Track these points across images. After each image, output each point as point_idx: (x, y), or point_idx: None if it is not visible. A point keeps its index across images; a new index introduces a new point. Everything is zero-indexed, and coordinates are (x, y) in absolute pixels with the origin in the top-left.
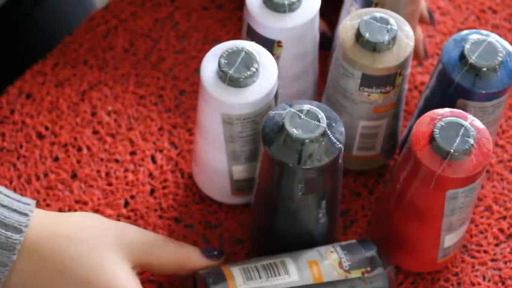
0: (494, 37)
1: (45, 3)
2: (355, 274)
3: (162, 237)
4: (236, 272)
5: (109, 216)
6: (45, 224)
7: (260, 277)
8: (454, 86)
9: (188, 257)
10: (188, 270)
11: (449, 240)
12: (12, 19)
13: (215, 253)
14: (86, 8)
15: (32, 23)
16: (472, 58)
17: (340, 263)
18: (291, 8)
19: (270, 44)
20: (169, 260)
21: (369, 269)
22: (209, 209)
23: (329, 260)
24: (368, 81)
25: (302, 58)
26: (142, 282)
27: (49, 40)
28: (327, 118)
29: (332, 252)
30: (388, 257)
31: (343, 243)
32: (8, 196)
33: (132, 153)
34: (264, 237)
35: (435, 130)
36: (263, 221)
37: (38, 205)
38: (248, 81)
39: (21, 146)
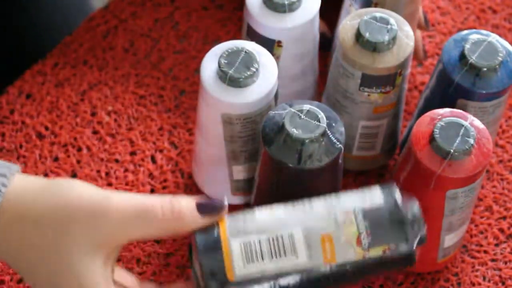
0: (494, 37)
1: (44, 3)
2: (375, 252)
3: (148, 204)
4: (236, 251)
5: None
6: (17, 205)
7: (262, 258)
8: (454, 86)
9: (180, 223)
10: (184, 233)
11: (449, 240)
12: (17, 20)
13: (213, 208)
14: (85, 8)
15: (32, 23)
16: (472, 58)
17: (358, 239)
18: (291, 8)
19: (270, 44)
20: (158, 232)
21: (393, 246)
22: None
23: (346, 236)
24: (368, 81)
25: (302, 58)
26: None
27: (49, 40)
28: (327, 118)
29: (352, 222)
30: (419, 222)
31: (367, 205)
32: None
33: (132, 153)
34: None
35: (435, 130)
36: None
37: None
38: (248, 81)
39: (21, 146)
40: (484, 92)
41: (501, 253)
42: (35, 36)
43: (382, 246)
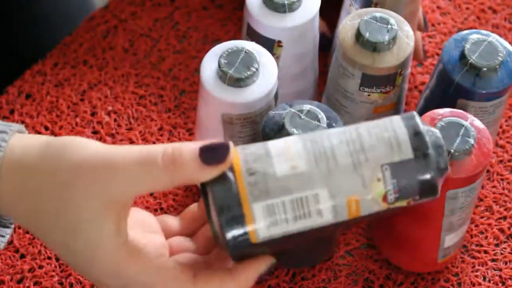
0: (494, 37)
1: (44, 2)
2: (399, 204)
3: (149, 153)
4: (258, 214)
5: None
6: (15, 178)
7: (286, 220)
8: (454, 86)
9: (181, 173)
10: (189, 183)
11: (449, 240)
12: (17, 20)
13: (218, 156)
14: (86, 8)
15: (32, 23)
16: (472, 58)
17: (385, 197)
18: (291, 8)
19: (270, 44)
20: (161, 183)
21: (417, 197)
22: None
23: (373, 194)
24: (368, 81)
25: (302, 58)
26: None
27: (49, 40)
28: (327, 118)
29: (379, 180)
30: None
31: (395, 159)
32: None
33: None
34: None
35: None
36: None
37: None
38: (248, 81)
39: None
40: (484, 92)
41: (501, 253)
42: (35, 36)
43: (407, 200)
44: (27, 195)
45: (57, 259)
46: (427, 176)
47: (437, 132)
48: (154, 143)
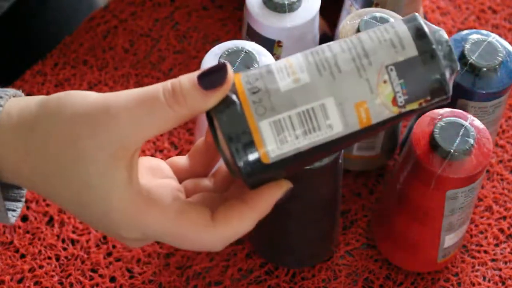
0: (494, 37)
1: (48, 3)
2: (410, 107)
3: (148, 91)
4: (266, 133)
5: None
6: (16, 141)
7: (296, 136)
8: (454, 86)
9: (184, 104)
10: (193, 114)
11: (449, 240)
12: (16, 19)
13: (216, 79)
14: (86, 8)
15: (32, 23)
16: (472, 58)
17: (394, 99)
18: (291, 8)
19: (270, 44)
20: (166, 120)
21: (428, 98)
22: None
23: (381, 98)
24: None
25: None
26: (142, 282)
27: (49, 40)
28: None
29: (385, 82)
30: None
31: (400, 58)
32: None
33: None
34: (264, 237)
35: (435, 130)
36: (262, 221)
37: (38, 205)
38: None
39: None
40: (484, 92)
41: (501, 253)
42: (35, 36)
43: (418, 101)
44: (30, 157)
45: (57, 259)
46: (436, 73)
47: (441, 30)
48: (154, 143)
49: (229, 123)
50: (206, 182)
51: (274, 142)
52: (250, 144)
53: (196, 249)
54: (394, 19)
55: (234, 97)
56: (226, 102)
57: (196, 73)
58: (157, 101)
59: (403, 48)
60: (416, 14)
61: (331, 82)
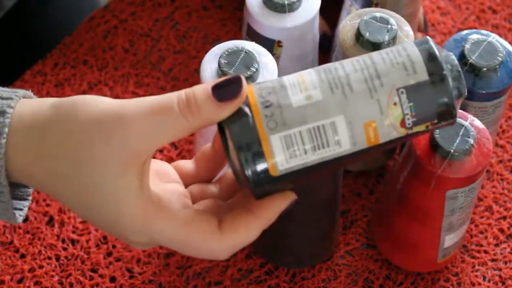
0: (494, 37)
1: (48, 3)
2: (418, 129)
3: (163, 100)
4: (276, 146)
5: None
6: (28, 143)
7: (305, 151)
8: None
9: (198, 115)
10: (207, 124)
11: (449, 240)
12: (16, 20)
13: (231, 91)
14: (86, 8)
15: (32, 23)
16: (472, 58)
17: (402, 121)
18: (291, 8)
19: (270, 44)
20: (179, 130)
21: (436, 121)
22: None
23: (390, 119)
24: None
25: (302, 58)
26: (142, 282)
27: (49, 40)
28: None
29: (395, 104)
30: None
31: (411, 81)
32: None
33: None
34: (264, 237)
35: (435, 130)
36: None
37: (38, 205)
38: (248, 81)
39: None
40: (484, 92)
41: (501, 253)
42: (36, 36)
43: (425, 123)
44: (42, 159)
45: (57, 259)
46: (444, 98)
47: (451, 54)
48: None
49: (240, 135)
50: (212, 188)
51: (283, 156)
52: (259, 156)
53: (202, 257)
54: (405, 42)
55: (246, 109)
56: (239, 114)
57: (211, 84)
58: (171, 111)
59: (414, 71)
60: (428, 37)
61: (343, 101)
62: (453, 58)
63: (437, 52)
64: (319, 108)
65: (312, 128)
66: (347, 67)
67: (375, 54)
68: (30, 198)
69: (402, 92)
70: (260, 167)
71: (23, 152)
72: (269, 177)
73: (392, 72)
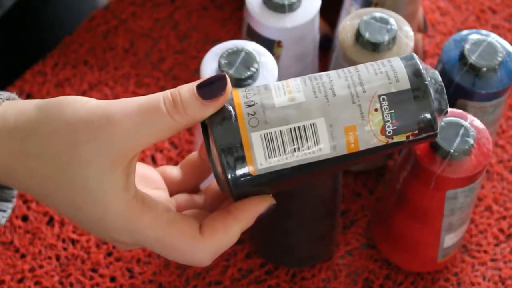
0: (494, 37)
1: (49, 3)
2: (398, 138)
3: (150, 100)
4: (256, 144)
5: None
6: (12, 144)
7: (284, 151)
8: (454, 86)
9: (184, 114)
10: (192, 123)
11: (449, 240)
12: (17, 19)
13: (215, 89)
14: (86, 8)
15: (33, 23)
16: (472, 58)
17: (383, 128)
18: (291, 8)
19: (270, 44)
20: (166, 130)
21: (416, 132)
22: None
23: (371, 125)
24: None
25: (302, 58)
26: (142, 282)
27: (49, 40)
28: None
29: (376, 110)
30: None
31: (393, 89)
32: None
33: None
34: (264, 237)
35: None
36: (263, 221)
37: (38, 205)
38: (248, 81)
39: None
40: (484, 92)
41: (501, 253)
42: (35, 36)
43: (406, 133)
44: (26, 160)
45: (58, 259)
46: (426, 109)
47: (436, 71)
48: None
49: (222, 130)
50: (197, 199)
51: (262, 154)
52: (239, 152)
53: (183, 261)
54: (391, 59)
55: (230, 107)
56: (222, 111)
57: (196, 83)
58: (158, 110)
59: (397, 80)
60: (413, 54)
61: (325, 104)
62: (437, 74)
63: (421, 66)
64: (301, 109)
65: (293, 128)
66: (332, 75)
67: (360, 65)
68: (14, 200)
69: (383, 99)
70: (239, 164)
71: (7, 153)
72: (247, 175)
73: (375, 80)
